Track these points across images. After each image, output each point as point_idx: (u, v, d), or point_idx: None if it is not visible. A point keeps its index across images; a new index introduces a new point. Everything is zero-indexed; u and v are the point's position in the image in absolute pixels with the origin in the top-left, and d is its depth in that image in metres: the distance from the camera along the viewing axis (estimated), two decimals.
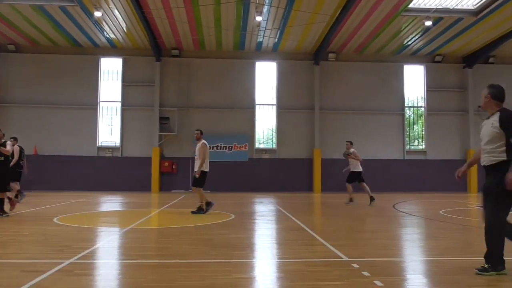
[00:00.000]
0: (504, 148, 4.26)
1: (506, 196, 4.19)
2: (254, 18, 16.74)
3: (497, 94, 4.49)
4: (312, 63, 20.99)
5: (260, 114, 21.45)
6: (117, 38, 19.38)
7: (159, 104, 20.31)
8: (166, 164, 20.27)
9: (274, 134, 21.28)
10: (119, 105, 20.62)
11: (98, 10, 16.06)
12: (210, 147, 10.34)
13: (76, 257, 5.05)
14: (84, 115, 20.35)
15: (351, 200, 12.88)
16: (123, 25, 17.89)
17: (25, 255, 5.26)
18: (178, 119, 20.54)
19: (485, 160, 4.42)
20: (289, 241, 6.59)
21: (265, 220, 9.53)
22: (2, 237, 6.64)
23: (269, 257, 5.51)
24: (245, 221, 8.99)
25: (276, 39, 19.44)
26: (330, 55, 20.80)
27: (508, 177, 4.10)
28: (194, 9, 16.13)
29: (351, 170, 12.89)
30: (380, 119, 21.41)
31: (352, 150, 12.95)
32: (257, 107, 21.25)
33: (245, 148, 20.62)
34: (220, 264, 4.86)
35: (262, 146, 21.38)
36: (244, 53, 21.08)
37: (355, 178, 12.78)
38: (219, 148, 20.45)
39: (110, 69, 20.91)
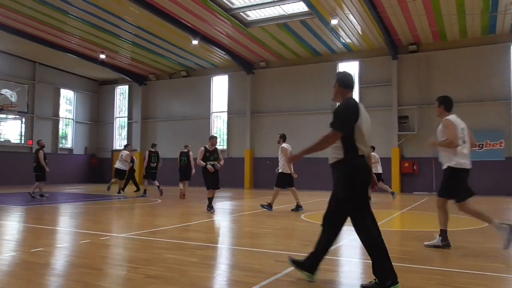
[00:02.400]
0: (341, 144, 3.79)
1: (350, 200, 3.76)
2: None
3: (346, 81, 3.95)
4: None
5: None
6: (352, 42, 19.85)
7: (397, 103, 19.76)
8: (406, 164, 19.53)
9: None
10: None
11: (334, 18, 16.81)
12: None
13: None
14: (323, 119, 21.52)
15: (392, 193, 14.48)
16: (358, 28, 18.18)
17: (278, 246, 5.89)
18: (418, 117, 19.51)
19: (329, 157, 4.00)
20: None
21: None
22: (261, 229, 7.64)
23: None
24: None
25: None
26: None
27: (291, 156, 3.79)
28: None
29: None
30: None
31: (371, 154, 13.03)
32: None
33: (500, 146, 17.95)
34: (470, 276, 4.35)
35: None
36: (496, 37, 18.41)
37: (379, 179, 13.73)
38: None
39: None
